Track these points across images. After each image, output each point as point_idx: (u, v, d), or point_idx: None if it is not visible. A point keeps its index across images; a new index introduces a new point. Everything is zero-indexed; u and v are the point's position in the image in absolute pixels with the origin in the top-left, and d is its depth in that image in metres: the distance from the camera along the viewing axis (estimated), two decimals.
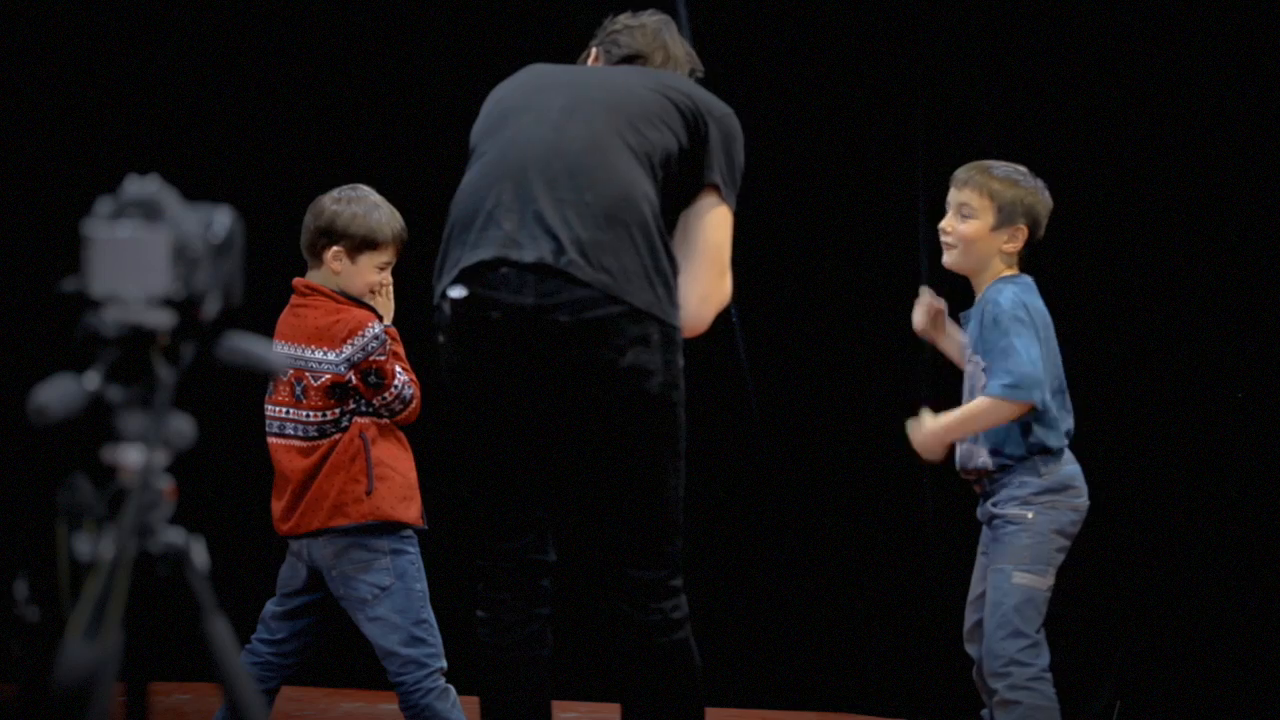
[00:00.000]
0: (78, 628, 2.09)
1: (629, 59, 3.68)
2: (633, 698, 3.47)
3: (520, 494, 3.46)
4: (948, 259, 4.21)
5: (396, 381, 4.22)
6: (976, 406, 4.05)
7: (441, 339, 3.44)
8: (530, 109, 3.48)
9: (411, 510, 4.27)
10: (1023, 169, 4.20)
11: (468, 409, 3.44)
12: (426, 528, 4.31)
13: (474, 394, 3.42)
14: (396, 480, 4.25)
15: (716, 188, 3.51)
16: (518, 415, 3.40)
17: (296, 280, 4.35)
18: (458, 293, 3.36)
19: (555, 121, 3.43)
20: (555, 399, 3.37)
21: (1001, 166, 4.19)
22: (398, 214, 4.33)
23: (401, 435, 4.32)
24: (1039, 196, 4.17)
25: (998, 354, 4.04)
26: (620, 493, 3.40)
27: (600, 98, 3.46)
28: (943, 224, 4.19)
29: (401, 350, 4.29)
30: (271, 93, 6.15)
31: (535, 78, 3.60)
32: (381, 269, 4.31)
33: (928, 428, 4.08)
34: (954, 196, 4.19)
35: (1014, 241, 4.14)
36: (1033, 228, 4.15)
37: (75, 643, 2.08)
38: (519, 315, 3.31)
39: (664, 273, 3.37)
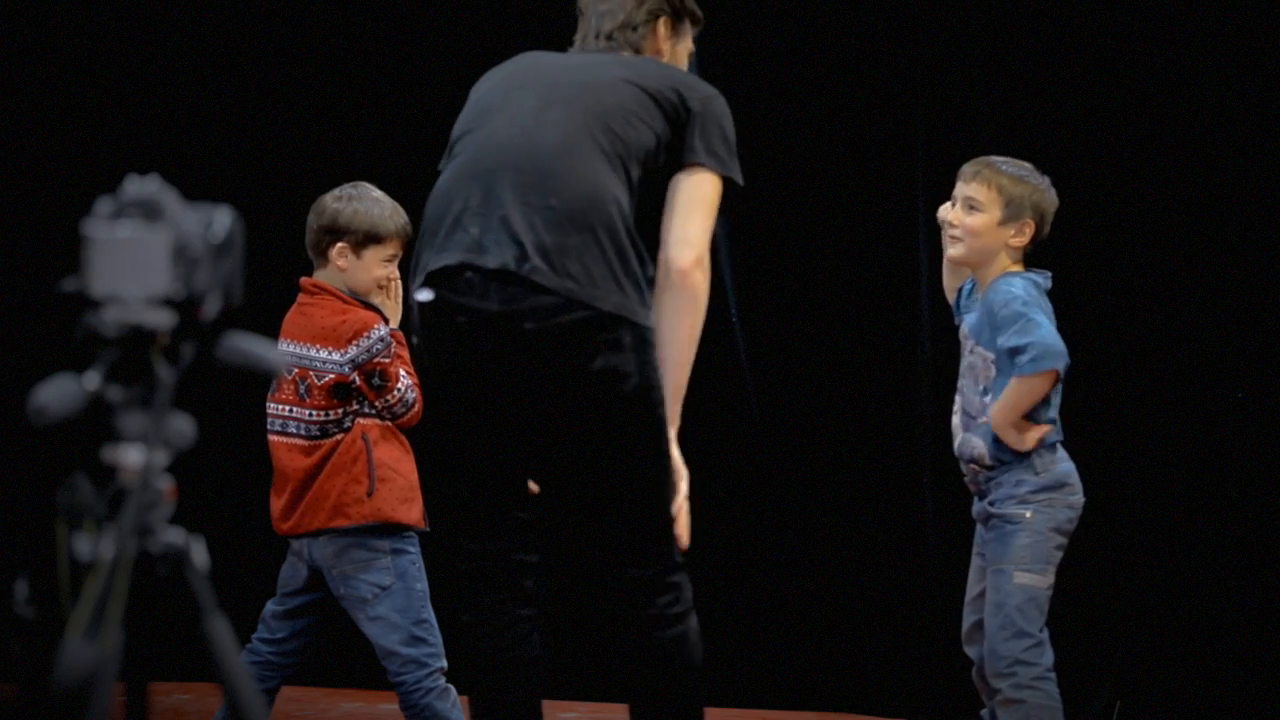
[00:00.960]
0: (78, 628, 2.09)
1: (611, 35, 3.61)
2: (636, 695, 3.45)
3: (498, 496, 3.45)
4: (953, 252, 4.20)
5: (399, 385, 4.23)
6: (1010, 391, 4.04)
7: (415, 340, 3.46)
8: (505, 108, 3.45)
9: (413, 512, 4.27)
10: (1029, 166, 4.21)
11: (443, 412, 3.45)
12: (428, 529, 4.31)
13: (447, 397, 3.42)
14: (398, 482, 4.26)
15: (700, 165, 3.45)
16: (491, 418, 3.39)
17: (304, 279, 4.35)
18: (424, 296, 3.36)
19: (526, 123, 3.40)
20: (529, 403, 3.35)
21: (1009, 163, 4.19)
22: (401, 209, 4.34)
23: (403, 437, 4.32)
24: (1045, 194, 4.17)
25: (1017, 330, 4.03)
26: (604, 495, 3.38)
27: (574, 97, 3.42)
28: (949, 216, 4.18)
29: (406, 354, 4.28)
30: (271, 93, 6.15)
31: (517, 72, 3.56)
32: (387, 263, 4.31)
33: (995, 428, 4.08)
34: (960, 190, 4.18)
35: (1020, 236, 4.14)
36: (1039, 224, 4.15)
37: (75, 643, 2.08)
38: (485, 320, 3.30)
39: (634, 275, 3.33)
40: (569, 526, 3.48)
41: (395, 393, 4.22)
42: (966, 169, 4.20)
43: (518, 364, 3.31)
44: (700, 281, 3.43)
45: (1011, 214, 4.13)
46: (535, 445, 3.41)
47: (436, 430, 3.50)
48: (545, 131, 3.38)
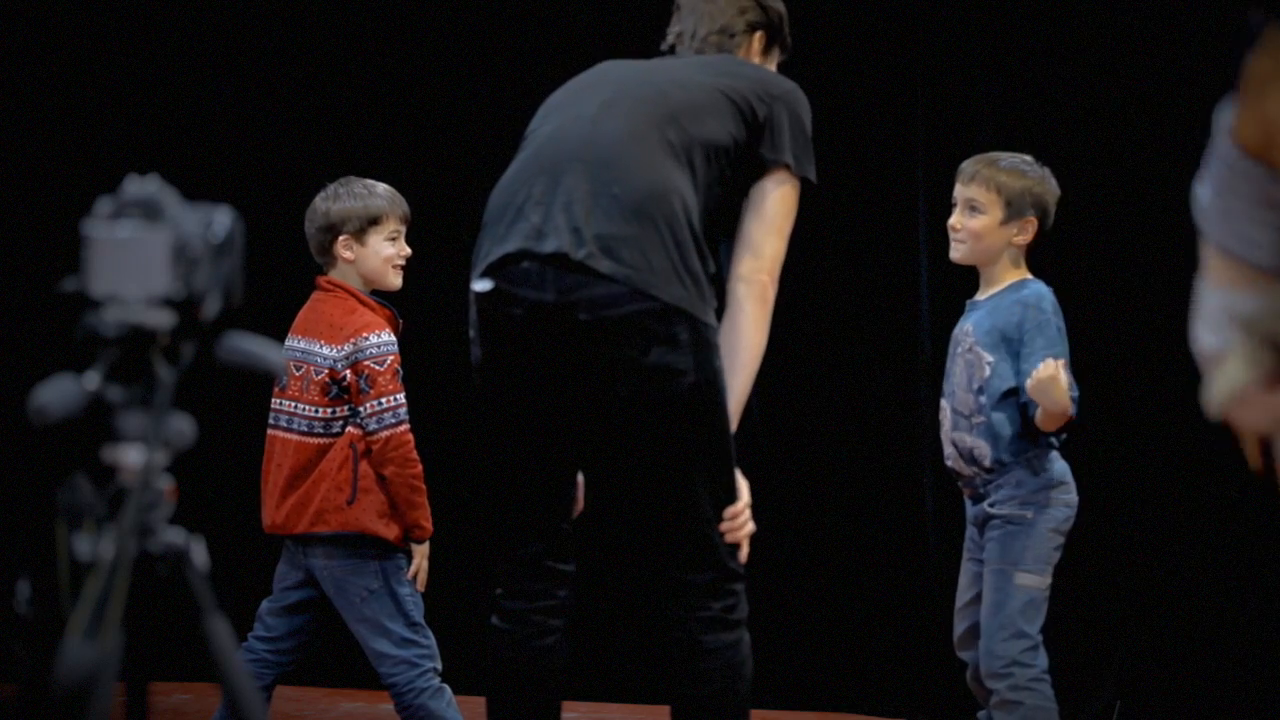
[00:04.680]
0: (78, 628, 2.09)
1: (706, 38, 3.59)
2: (681, 698, 3.34)
3: (541, 500, 3.37)
4: (956, 254, 4.19)
5: (384, 398, 4.20)
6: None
7: (471, 334, 3.38)
8: (571, 105, 3.43)
9: (392, 529, 4.25)
10: (1028, 158, 4.19)
11: (491, 408, 3.36)
12: (405, 550, 4.28)
13: (498, 393, 3.34)
14: (381, 497, 4.24)
15: (782, 166, 3.44)
16: (542, 415, 3.32)
17: (320, 278, 4.36)
18: (482, 286, 3.29)
19: (592, 116, 3.36)
20: (580, 399, 3.29)
21: (1007, 158, 4.18)
22: (393, 190, 4.38)
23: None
24: (1046, 185, 4.16)
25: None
26: (656, 497, 3.31)
27: (642, 93, 3.39)
28: (951, 221, 4.18)
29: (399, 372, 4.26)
30: (271, 93, 6.16)
31: (588, 76, 3.54)
32: (392, 241, 4.33)
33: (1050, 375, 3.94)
34: (960, 192, 4.17)
35: (1024, 234, 4.14)
36: (1042, 218, 4.14)
37: (75, 643, 2.08)
38: (541, 312, 3.23)
39: (694, 270, 3.26)
40: (622, 527, 3.42)
41: (376, 404, 4.20)
42: (965, 169, 4.20)
43: (570, 358, 3.24)
44: (773, 296, 3.44)
45: (1013, 212, 4.13)
46: (587, 445, 3.35)
47: (483, 427, 3.39)
48: (611, 123, 3.34)
